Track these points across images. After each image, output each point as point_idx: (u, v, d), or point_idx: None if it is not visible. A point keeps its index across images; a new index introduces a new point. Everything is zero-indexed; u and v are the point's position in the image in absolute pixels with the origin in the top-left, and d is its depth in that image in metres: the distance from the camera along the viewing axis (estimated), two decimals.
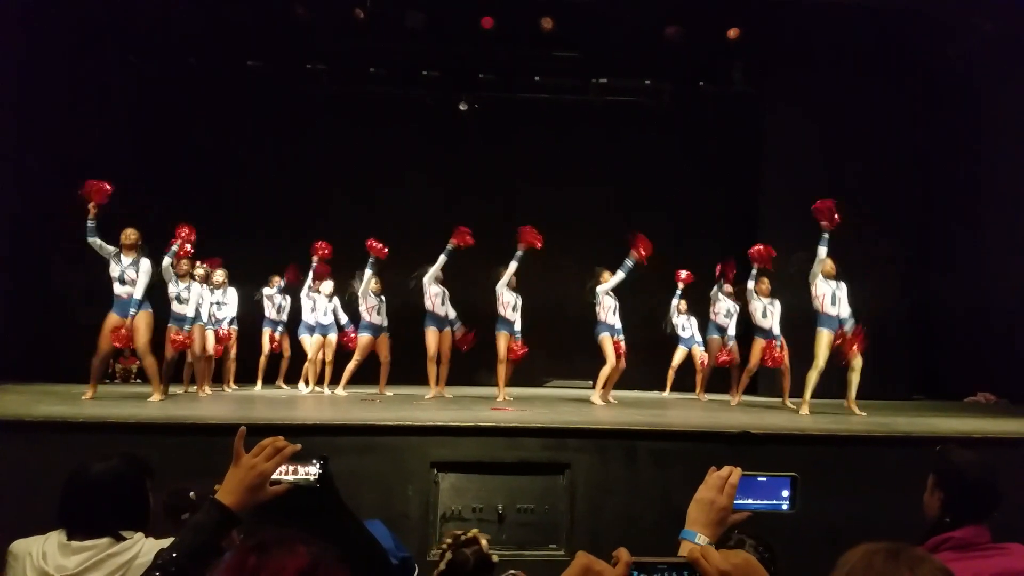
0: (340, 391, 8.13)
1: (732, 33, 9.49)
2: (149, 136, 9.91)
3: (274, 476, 1.59)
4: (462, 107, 10.23)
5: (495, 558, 2.44)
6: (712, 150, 10.74)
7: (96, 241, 6.44)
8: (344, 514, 2.03)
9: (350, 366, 8.21)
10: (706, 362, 8.96)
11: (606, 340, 7.67)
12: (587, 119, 10.59)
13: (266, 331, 8.81)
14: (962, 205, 9.69)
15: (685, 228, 10.72)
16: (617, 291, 7.83)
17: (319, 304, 8.64)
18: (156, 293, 6.91)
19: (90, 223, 6.40)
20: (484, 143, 10.65)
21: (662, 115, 10.55)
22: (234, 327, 8.40)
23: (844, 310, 6.86)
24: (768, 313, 7.62)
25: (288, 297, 8.90)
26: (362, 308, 8.23)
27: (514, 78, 10.17)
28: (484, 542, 2.45)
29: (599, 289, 7.73)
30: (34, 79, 8.66)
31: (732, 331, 8.30)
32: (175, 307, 7.21)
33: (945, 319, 9.72)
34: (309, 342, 8.63)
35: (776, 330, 7.56)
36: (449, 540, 2.44)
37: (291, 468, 1.61)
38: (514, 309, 7.96)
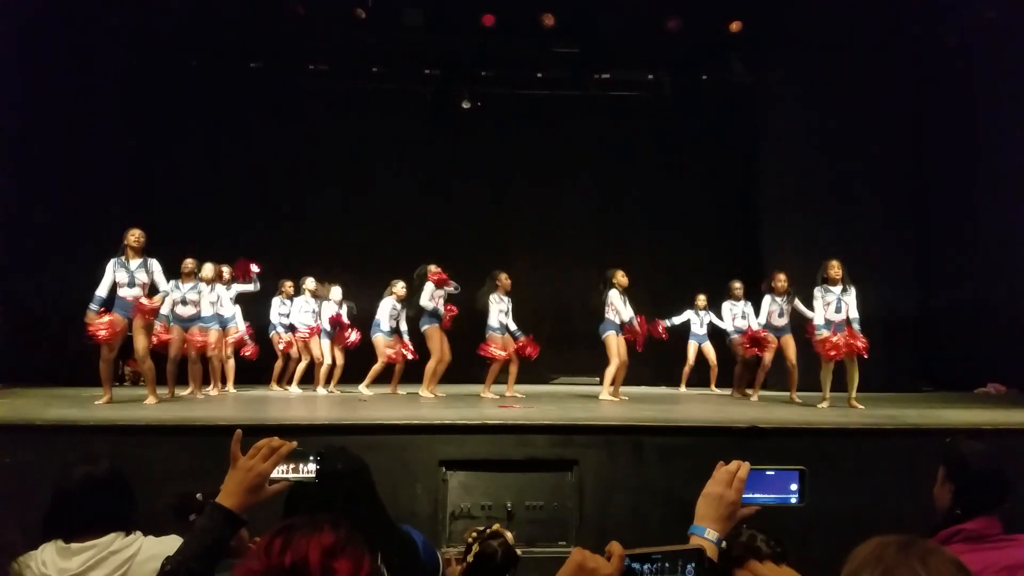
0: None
1: (735, 26, 9.46)
2: (148, 136, 9.93)
3: (273, 475, 1.60)
4: (465, 105, 10.22)
5: (519, 552, 2.44)
6: (712, 146, 10.71)
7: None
8: (377, 507, 2.10)
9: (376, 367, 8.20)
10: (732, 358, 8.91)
11: (611, 338, 7.62)
12: (587, 115, 10.55)
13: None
14: (970, 196, 9.62)
15: (683, 224, 10.71)
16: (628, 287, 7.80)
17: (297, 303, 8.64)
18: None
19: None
20: (483, 140, 10.63)
21: (662, 112, 10.53)
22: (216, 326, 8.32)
23: (838, 315, 6.81)
24: (784, 312, 7.73)
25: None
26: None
27: (514, 74, 10.16)
28: (509, 535, 2.45)
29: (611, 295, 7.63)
30: (30, 83, 8.67)
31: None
32: (179, 309, 7.22)
33: (954, 310, 9.65)
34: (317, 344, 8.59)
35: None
36: (474, 534, 2.45)
37: (290, 466, 1.62)
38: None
